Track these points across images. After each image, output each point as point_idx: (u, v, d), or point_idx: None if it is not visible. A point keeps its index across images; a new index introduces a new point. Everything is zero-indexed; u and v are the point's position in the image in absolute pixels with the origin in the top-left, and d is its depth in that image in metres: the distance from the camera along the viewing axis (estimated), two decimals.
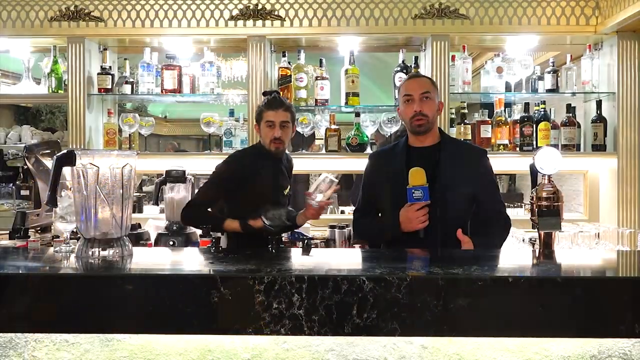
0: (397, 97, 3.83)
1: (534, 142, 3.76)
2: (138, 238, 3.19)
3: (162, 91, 3.89)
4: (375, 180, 2.63)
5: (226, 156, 3.01)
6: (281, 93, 3.13)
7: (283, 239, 2.43)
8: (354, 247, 3.42)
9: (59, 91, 3.97)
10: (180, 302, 1.53)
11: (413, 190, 2.38)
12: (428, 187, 2.38)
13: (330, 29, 3.76)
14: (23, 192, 3.73)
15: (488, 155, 2.63)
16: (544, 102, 3.82)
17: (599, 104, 3.79)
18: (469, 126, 3.79)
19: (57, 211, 1.98)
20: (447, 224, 2.45)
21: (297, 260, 1.93)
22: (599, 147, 3.78)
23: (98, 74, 3.89)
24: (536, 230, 2.20)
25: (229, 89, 4.36)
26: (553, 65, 3.86)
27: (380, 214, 2.65)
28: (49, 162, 3.41)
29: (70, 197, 1.95)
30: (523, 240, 3.01)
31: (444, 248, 2.39)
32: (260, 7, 3.76)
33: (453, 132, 3.76)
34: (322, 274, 1.55)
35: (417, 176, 2.39)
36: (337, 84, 3.92)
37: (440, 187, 2.44)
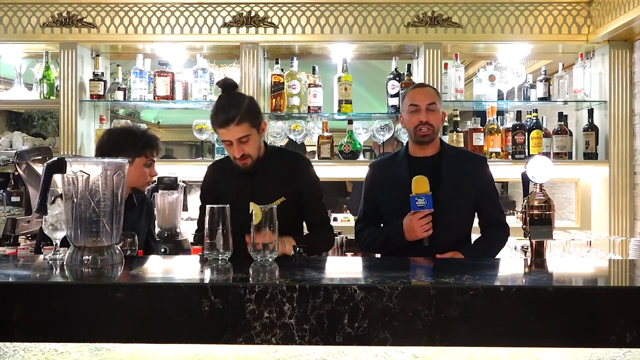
0: (389, 104, 3.85)
1: (526, 150, 3.77)
2: None
3: (154, 97, 3.88)
4: (378, 190, 2.61)
5: None
6: (237, 88, 2.48)
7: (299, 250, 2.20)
8: (346, 255, 3.41)
9: (51, 97, 3.95)
10: (171, 310, 1.52)
11: (416, 199, 2.36)
12: (431, 195, 2.37)
13: (323, 36, 3.76)
14: (14, 199, 3.72)
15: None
16: (536, 110, 3.84)
17: (590, 112, 3.81)
18: (462, 134, 3.80)
19: (47, 219, 1.96)
20: (451, 232, 2.46)
21: (289, 269, 1.92)
22: (590, 156, 3.80)
23: (90, 80, 3.87)
24: (528, 238, 2.20)
25: None
26: (545, 74, 3.88)
27: (383, 224, 2.62)
28: (40, 169, 3.39)
29: (61, 205, 1.94)
30: (515, 248, 3.01)
31: (447, 257, 2.38)
32: (253, 14, 3.76)
33: (445, 140, 3.76)
34: (314, 283, 1.55)
35: (420, 184, 2.38)
36: (330, 92, 3.93)
37: (443, 196, 2.44)
